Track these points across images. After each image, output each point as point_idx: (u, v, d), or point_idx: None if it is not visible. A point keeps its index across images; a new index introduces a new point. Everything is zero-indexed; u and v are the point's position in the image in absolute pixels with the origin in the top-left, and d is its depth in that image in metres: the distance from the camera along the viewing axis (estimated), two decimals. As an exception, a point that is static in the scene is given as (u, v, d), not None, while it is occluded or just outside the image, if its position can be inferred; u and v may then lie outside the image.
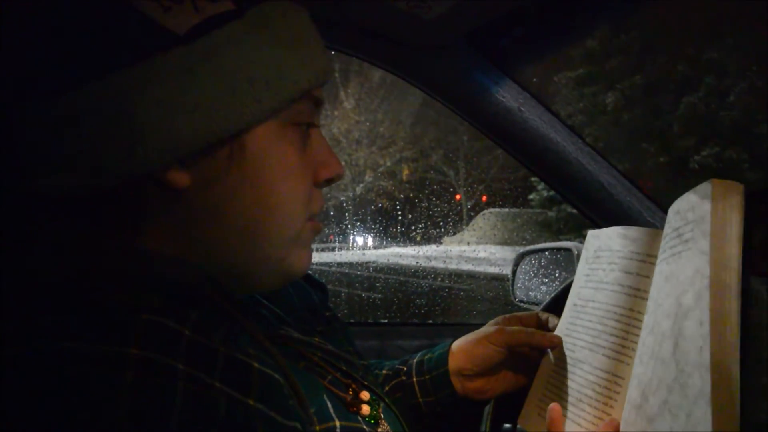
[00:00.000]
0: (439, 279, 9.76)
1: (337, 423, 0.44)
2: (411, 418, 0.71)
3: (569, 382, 0.62)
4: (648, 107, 15.58)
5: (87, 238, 0.38)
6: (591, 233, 0.70)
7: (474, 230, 16.44)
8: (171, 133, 0.36)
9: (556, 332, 0.68)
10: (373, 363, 0.79)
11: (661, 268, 0.53)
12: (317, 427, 0.42)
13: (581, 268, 0.69)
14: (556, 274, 1.31)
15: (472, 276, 9.93)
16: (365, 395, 0.51)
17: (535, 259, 1.36)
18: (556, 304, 0.83)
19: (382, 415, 0.52)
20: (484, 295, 8.16)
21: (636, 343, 0.55)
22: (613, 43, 16.59)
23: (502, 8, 0.83)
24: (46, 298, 0.35)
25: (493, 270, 10.00)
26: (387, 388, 0.73)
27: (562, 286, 0.86)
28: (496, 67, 1.01)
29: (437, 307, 7.52)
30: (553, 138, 1.06)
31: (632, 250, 0.60)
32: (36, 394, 0.30)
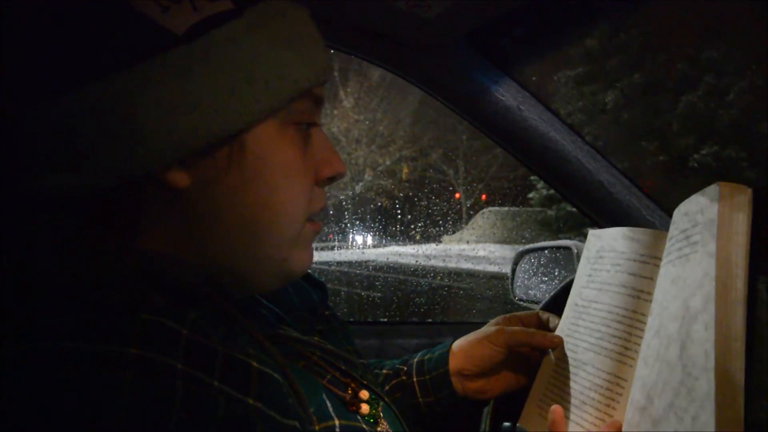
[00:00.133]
0: (439, 278, 9.76)
1: (337, 422, 0.44)
2: (411, 417, 0.71)
3: (571, 383, 0.61)
4: (647, 106, 15.58)
5: (87, 238, 0.38)
6: (593, 233, 0.70)
7: (473, 229, 16.44)
8: (171, 133, 0.36)
9: (557, 332, 0.68)
10: (373, 362, 0.79)
11: (666, 270, 0.53)
12: (316, 426, 0.42)
13: (583, 267, 0.69)
14: (556, 273, 1.32)
15: (471, 274, 9.93)
16: (364, 394, 0.51)
17: (534, 258, 1.36)
18: (556, 303, 0.83)
19: (381, 414, 0.52)
20: (484, 294, 8.17)
21: (639, 345, 0.55)
22: (612, 42, 16.59)
23: (501, 8, 0.83)
24: (46, 298, 0.35)
25: (492, 268, 10.01)
26: (387, 388, 0.73)
27: (561, 285, 0.86)
28: (496, 66, 1.01)
29: (437, 306, 7.52)
30: (552, 137, 1.06)
31: (637, 252, 0.60)
32: (35, 393, 0.30)
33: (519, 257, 1.37)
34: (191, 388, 0.32)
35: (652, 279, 0.57)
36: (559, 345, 0.66)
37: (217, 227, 0.41)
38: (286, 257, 0.44)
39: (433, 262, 11.09)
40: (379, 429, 0.50)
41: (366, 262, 11.07)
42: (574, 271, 0.71)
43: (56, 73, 0.35)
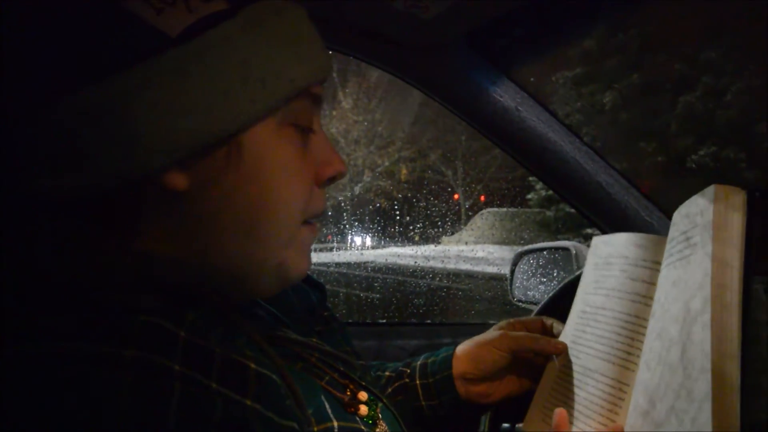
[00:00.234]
0: (438, 279, 9.76)
1: (335, 423, 0.44)
2: (413, 420, 0.71)
3: (575, 389, 0.61)
4: (645, 107, 15.61)
5: (86, 239, 0.38)
6: (599, 239, 0.69)
7: (472, 230, 16.46)
8: (168, 134, 0.36)
9: (561, 338, 0.67)
10: (375, 365, 0.78)
11: (667, 273, 0.53)
12: (315, 428, 0.42)
13: (588, 274, 0.68)
14: (555, 274, 1.32)
15: (470, 275, 9.95)
16: (363, 395, 0.51)
17: (533, 259, 1.37)
18: (555, 304, 0.83)
19: (380, 416, 0.51)
20: (483, 295, 8.18)
21: (640, 349, 0.55)
22: (610, 42, 16.63)
23: (499, 8, 0.83)
24: (45, 299, 0.35)
25: (491, 269, 10.02)
26: (390, 390, 0.73)
27: (560, 286, 0.86)
28: (494, 66, 1.02)
29: (436, 307, 7.53)
30: (550, 137, 1.06)
31: (646, 259, 0.60)
32: (34, 394, 0.30)
33: (518, 258, 1.37)
34: (189, 390, 0.32)
35: (654, 284, 0.57)
36: (563, 351, 0.65)
37: (216, 228, 0.41)
38: (283, 261, 0.44)
39: (431, 263, 11.11)
40: (377, 430, 0.50)
41: (365, 263, 11.07)
42: (572, 272, 0.71)
43: (54, 76, 0.35)
